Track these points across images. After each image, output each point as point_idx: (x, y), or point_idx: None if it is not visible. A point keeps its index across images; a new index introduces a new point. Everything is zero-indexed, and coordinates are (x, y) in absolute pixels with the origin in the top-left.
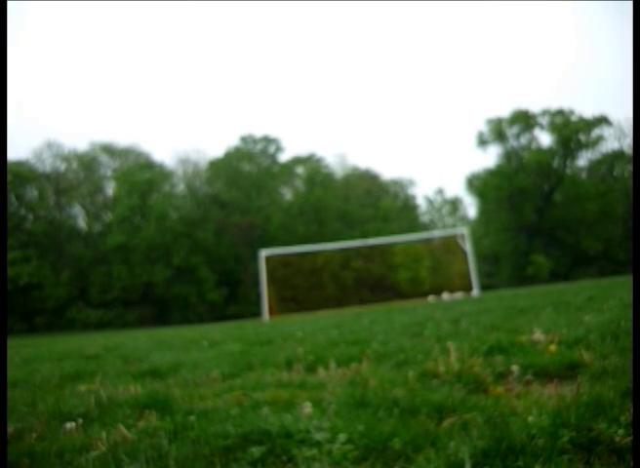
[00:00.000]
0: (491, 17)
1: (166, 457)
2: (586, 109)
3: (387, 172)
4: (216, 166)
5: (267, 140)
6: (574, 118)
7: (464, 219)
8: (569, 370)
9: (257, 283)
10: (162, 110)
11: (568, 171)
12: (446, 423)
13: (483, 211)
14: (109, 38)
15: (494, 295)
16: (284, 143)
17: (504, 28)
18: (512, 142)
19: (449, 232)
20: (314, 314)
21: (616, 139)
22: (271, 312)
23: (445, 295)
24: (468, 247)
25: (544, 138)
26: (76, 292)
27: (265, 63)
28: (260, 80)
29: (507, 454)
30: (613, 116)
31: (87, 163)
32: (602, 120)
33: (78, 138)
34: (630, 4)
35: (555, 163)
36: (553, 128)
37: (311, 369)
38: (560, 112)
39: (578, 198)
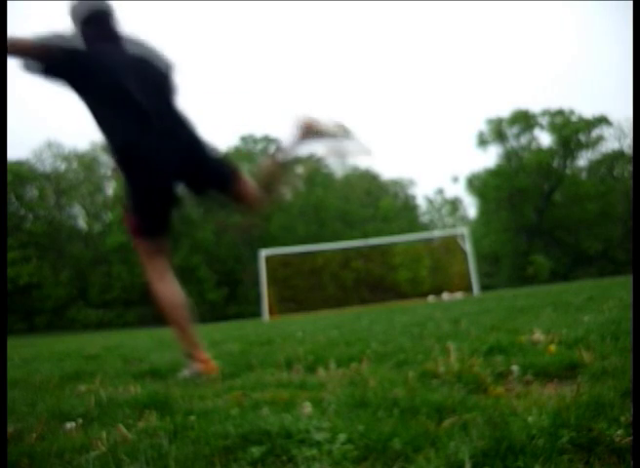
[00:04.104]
0: (491, 17)
1: (166, 457)
2: (586, 109)
3: (387, 172)
4: None
5: (267, 140)
6: (574, 118)
7: (464, 219)
8: (569, 370)
9: (257, 283)
10: None
11: (568, 171)
12: (446, 423)
13: (483, 211)
14: None
15: (494, 295)
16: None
17: (504, 28)
18: (512, 142)
19: (449, 232)
20: (314, 314)
21: (616, 139)
22: (271, 312)
23: (445, 295)
24: (468, 247)
25: (544, 138)
26: (76, 292)
27: (266, 63)
28: (260, 80)
29: (507, 454)
30: (613, 116)
31: (87, 163)
32: (602, 120)
33: (78, 138)
34: (630, 4)
35: (555, 163)
36: (553, 128)
37: (311, 369)
38: (560, 112)
39: (578, 198)
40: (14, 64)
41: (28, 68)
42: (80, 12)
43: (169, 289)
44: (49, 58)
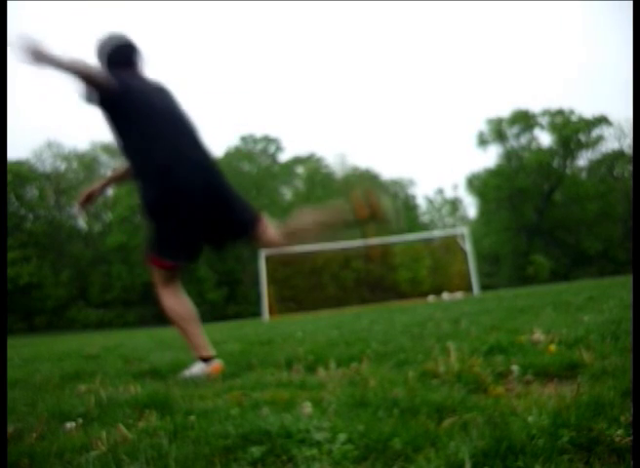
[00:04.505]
0: (491, 16)
1: (166, 457)
2: (586, 109)
3: (387, 172)
4: None
5: (267, 140)
6: (574, 118)
7: (464, 219)
8: (569, 370)
9: (257, 283)
10: None
11: (568, 171)
12: (446, 423)
13: (483, 211)
14: None
15: (494, 295)
16: (284, 143)
17: (505, 28)
18: (512, 142)
19: (449, 232)
20: (314, 314)
21: (616, 139)
22: (271, 312)
23: (445, 295)
24: (468, 247)
25: (544, 138)
26: (76, 292)
27: (265, 63)
28: (260, 80)
29: (507, 454)
30: (613, 116)
31: (87, 163)
32: (602, 120)
33: (78, 138)
34: (630, 4)
35: (555, 163)
36: (553, 128)
37: (311, 369)
38: (560, 112)
39: (578, 198)
40: (13, 64)
41: (88, 97)
42: (118, 51)
43: (179, 303)
44: (107, 90)
